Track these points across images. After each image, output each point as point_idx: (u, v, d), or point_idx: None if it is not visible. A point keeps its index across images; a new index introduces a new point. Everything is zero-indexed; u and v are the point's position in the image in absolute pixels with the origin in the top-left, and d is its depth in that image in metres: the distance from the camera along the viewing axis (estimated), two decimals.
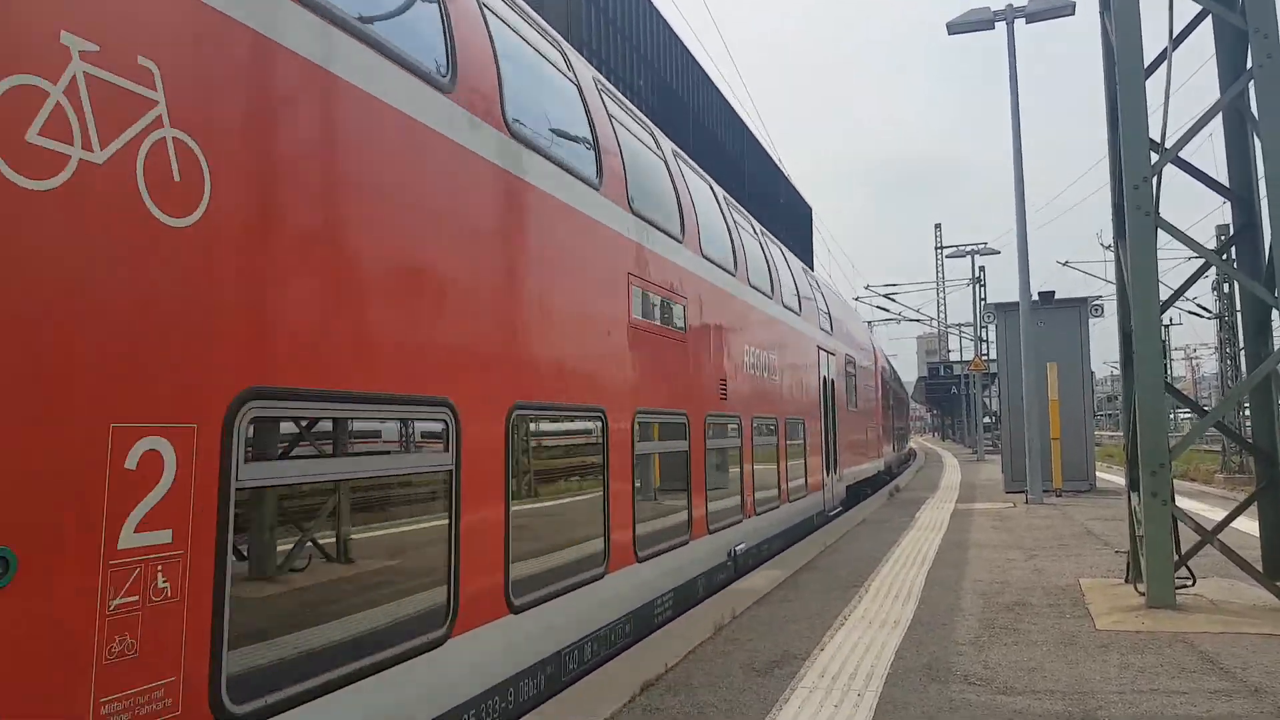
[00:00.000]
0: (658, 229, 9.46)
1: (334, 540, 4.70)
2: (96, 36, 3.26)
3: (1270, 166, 8.37)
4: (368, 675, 4.58)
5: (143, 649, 3.31)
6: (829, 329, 20.18)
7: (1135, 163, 8.73)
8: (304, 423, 4.47)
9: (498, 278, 6.26)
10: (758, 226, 15.71)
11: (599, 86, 8.92)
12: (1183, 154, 9.25)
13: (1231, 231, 9.74)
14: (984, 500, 21.60)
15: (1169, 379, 8.61)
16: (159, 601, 3.39)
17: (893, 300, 60.27)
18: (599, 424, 7.75)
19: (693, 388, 10.33)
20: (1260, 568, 9.09)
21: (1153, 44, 9.29)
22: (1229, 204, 9.71)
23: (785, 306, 15.74)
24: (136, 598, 3.30)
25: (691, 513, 10.12)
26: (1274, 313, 8.99)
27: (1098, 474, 24.44)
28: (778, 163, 35.18)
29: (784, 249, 18.01)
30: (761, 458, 13.53)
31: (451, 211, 5.65)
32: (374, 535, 5.04)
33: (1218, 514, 16.42)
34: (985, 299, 51.43)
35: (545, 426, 7.10)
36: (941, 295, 72.17)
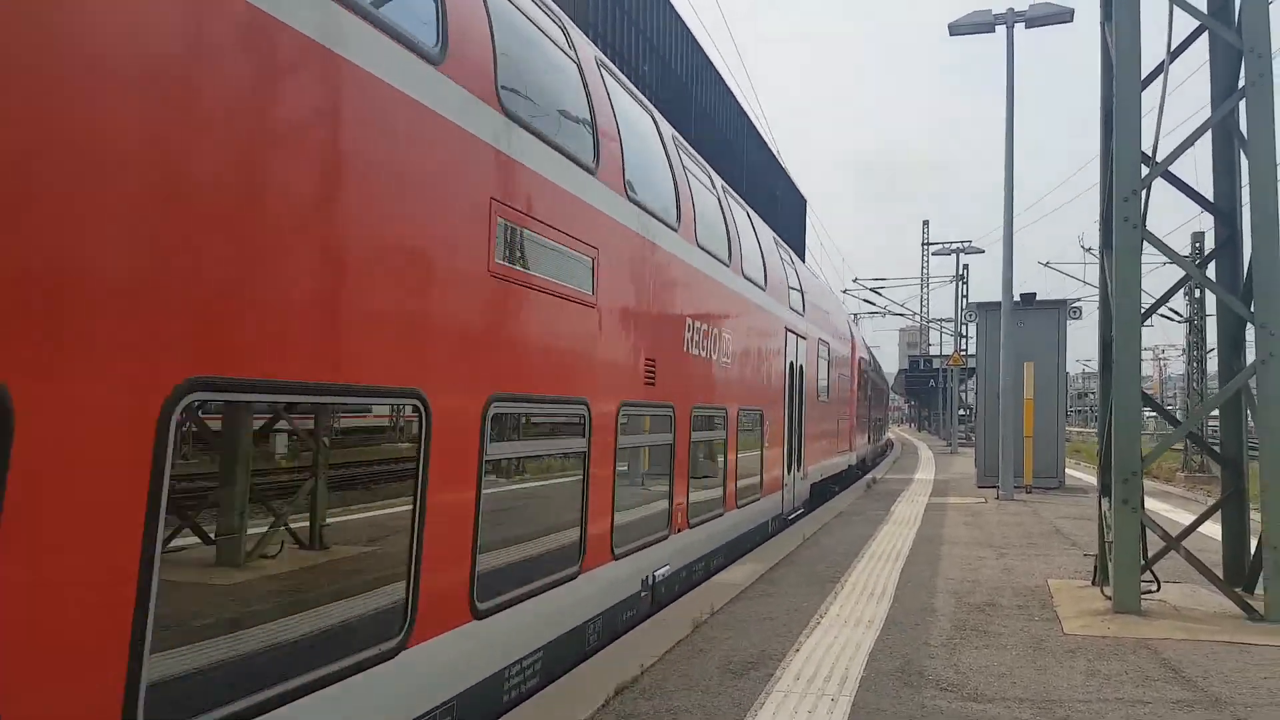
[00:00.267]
0: (541, 139, 6.60)
1: (280, 540, 4.34)
2: None
3: (1255, 185, 8.50)
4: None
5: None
6: (800, 310, 17.95)
7: (1126, 175, 8.83)
8: (254, 416, 4.13)
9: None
10: (718, 181, 13.15)
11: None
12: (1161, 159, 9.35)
13: (1212, 244, 9.87)
14: (957, 495, 21.85)
15: None
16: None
17: (879, 294, 60.51)
18: (418, 416, 5.11)
19: (599, 368, 7.72)
20: (1222, 574, 9.30)
21: (1148, 56, 9.37)
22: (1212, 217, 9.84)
23: (747, 279, 13.34)
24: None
25: (586, 535, 7.47)
26: (1248, 327, 9.12)
27: (1067, 471, 24.77)
28: (776, 154, 35.22)
29: (751, 213, 15.54)
30: (702, 457, 11.35)
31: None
32: (333, 531, 4.67)
33: (1180, 515, 16.76)
34: (968, 296, 51.76)
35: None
36: (925, 292, 72.50)
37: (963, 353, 47.70)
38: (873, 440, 38.26)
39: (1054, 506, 19.03)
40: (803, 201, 43.22)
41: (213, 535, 3.97)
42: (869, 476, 27.94)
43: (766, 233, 16.44)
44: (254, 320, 3.88)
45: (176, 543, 3.59)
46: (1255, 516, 8.77)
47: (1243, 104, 8.70)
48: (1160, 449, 9.17)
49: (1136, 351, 8.86)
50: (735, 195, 14.45)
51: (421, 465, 5.10)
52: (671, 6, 22.31)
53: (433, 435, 5.16)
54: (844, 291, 73.57)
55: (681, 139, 11.46)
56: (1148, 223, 8.95)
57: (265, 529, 4.26)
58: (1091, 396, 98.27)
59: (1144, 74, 9.15)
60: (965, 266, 55.74)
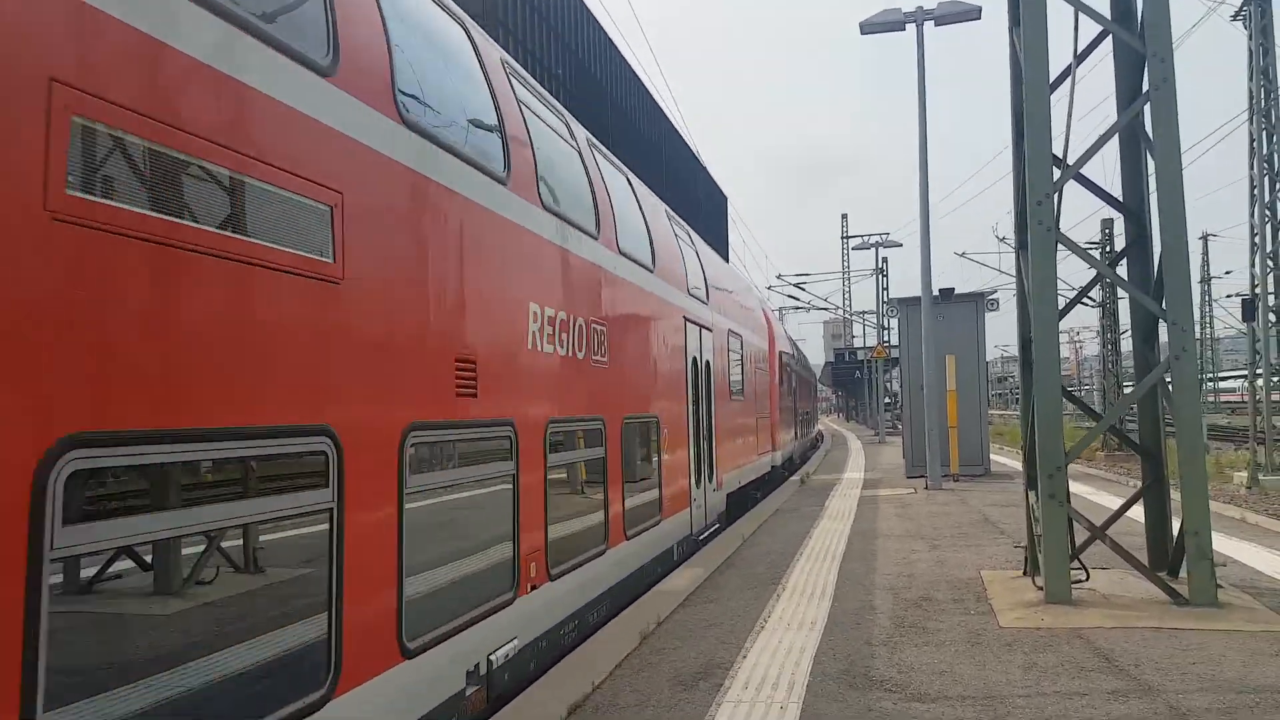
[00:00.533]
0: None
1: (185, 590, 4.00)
2: None
3: (1162, 186, 8.85)
4: None
5: None
6: (704, 297, 15.66)
7: (1038, 179, 9.12)
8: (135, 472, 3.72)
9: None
10: (580, 133, 10.45)
11: None
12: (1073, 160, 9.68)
13: (1124, 244, 10.26)
14: (888, 487, 22.29)
15: None
16: None
17: (802, 290, 61.33)
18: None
19: (351, 375, 5.06)
20: (1147, 559, 9.68)
21: (1057, 63, 9.70)
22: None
23: (627, 258, 10.81)
24: None
25: (339, 627, 4.77)
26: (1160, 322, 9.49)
27: (991, 457, 25.44)
28: (694, 151, 35.50)
29: (636, 181, 12.89)
30: (569, 485, 8.91)
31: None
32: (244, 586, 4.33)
33: (1104, 498, 17.36)
34: (888, 289, 52.76)
35: None
36: (846, 286, 73.69)
37: (885, 344, 48.70)
38: (800, 436, 36.69)
39: (981, 494, 19.54)
40: (724, 198, 43.61)
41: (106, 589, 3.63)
42: (801, 472, 28.30)
43: (657, 206, 13.91)
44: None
45: (67, 602, 3.34)
46: (1176, 496, 9.07)
47: (1148, 108, 9.04)
48: (1082, 444, 9.50)
49: (1055, 349, 9.17)
50: (611, 157, 11.81)
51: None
52: (586, 8, 22.38)
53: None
54: (768, 288, 74.37)
55: (520, 70, 8.78)
56: (1063, 208, 9.25)
57: (166, 579, 3.92)
58: (1011, 380, 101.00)
59: (1051, 78, 9.46)
60: (885, 260, 56.90)
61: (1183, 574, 8.82)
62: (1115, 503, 15.65)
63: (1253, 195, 26.35)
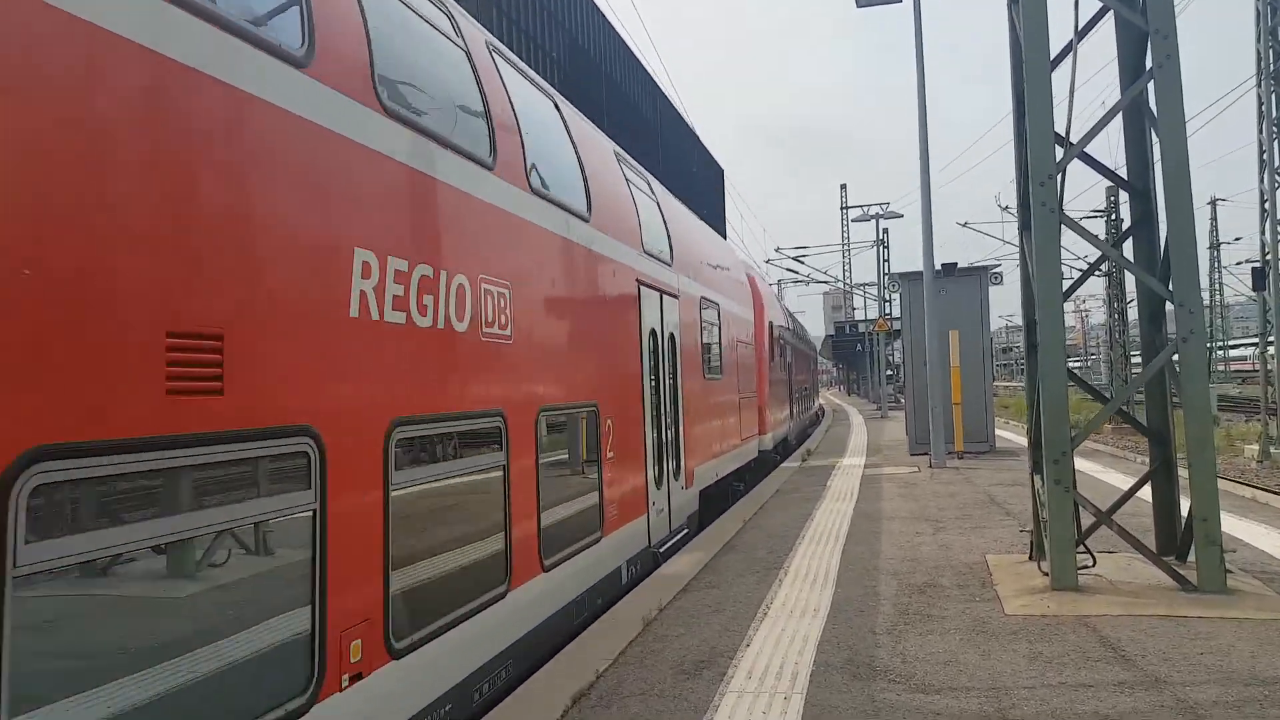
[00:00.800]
0: None
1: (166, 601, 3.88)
2: None
3: (1167, 163, 8.70)
4: None
5: None
6: (667, 258, 13.28)
7: (1041, 159, 8.98)
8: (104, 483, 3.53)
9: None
10: (478, 36, 8.07)
11: None
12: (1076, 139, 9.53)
13: (1128, 223, 10.12)
14: (891, 465, 22.21)
15: None
16: None
17: (801, 263, 61.08)
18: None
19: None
20: (1154, 543, 9.61)
21: (1057, 39, 9.52)
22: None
23: (544, 198, 8.46)
24: None
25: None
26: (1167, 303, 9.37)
27: (996, 433, 25.37)
28: (690, 124, 35.25)
29: (564, 104, 10.41)
30: (430, 517, 6.22)
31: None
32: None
33: (1111, 475, 17.28)
34: (889, 260, 52.55)
35: None
36: (847, 260, 73.39)
37: (887, 317, 48.55)
38: (798, 414, 34.11)
39: (986, 473, 19.47)
40: (720, 172, 43.33)
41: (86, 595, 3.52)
42: (801, 450, 28.17)
43: (601, 145, 11.52)
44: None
45: (41, 595, 3.23)
46: (1185, 474, 8.97)
47: (1152, 86, 8.88)
48: (1088, 429, 9.39)
49: (1060, 332, 9.05)
50: (529, 72, 9.51)
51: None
52: None
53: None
54: (767, 262, 74.10)
55: None
56: (1068, 175, 9.12)
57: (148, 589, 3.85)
58: (1015, 350, 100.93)
59: (1052, 54, 9.30)
60: (885, 231, 56.65)
61: (1191, 559, 8.73)
62: (1123, 481, 15.64)
63: (1261, 160, 26.11)
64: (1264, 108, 25.76)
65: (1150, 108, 9.14)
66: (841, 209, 73.59)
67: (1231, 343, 79.53)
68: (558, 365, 8.69)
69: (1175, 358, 8.86)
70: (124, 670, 3.55)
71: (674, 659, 7.37)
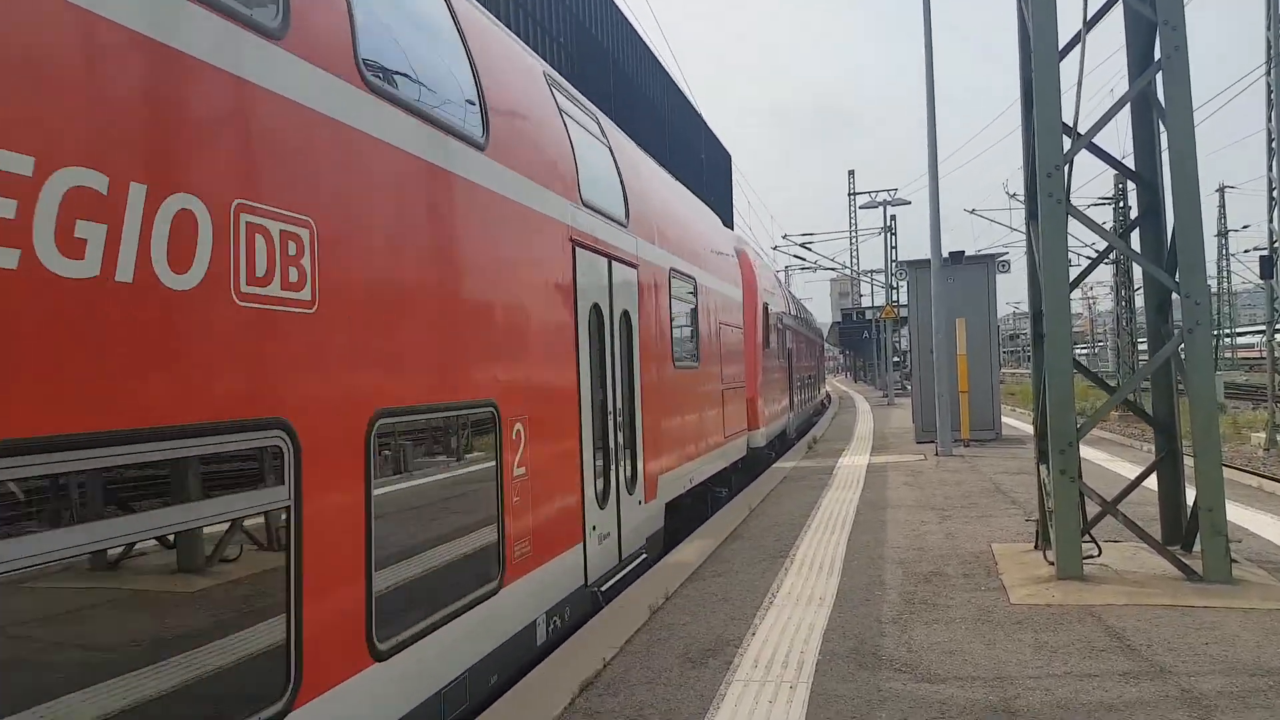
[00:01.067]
0: None
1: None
2: None
3: (1174, 155, 8.69)
4: None
5: None
6: (620, 217, 10.64)
7: (1048, 151, 8.97)
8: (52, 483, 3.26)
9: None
10: None
11: None
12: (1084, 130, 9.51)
13: (1136, 213, 10.11)
14: (896, 452, 22.27)
15: None
16: None
17: (809, 249, 60.93)
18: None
19: None
20: (1160, 533, 9.64)
21: (1065, 29, 9.51)
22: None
23: (413, 113, 6.06)
24: None
25: None
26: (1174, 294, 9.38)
27: (1003, 420, 25.38)
28: (697, 110, 35.23)
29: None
30: (214, 599, 4.20)
31: None
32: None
33: (1118, 464, 17.30)
34: (896, 248, 52.47)
35: None
36: (854, 247, 73.31)
37: (894, 304, 48.52)
38: (799, 406, 31.27)
39: (993, 461, 19.50)
40: (727, 157, 43.24)
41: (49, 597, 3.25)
42: (809, 436, 28.13)
43: (518, 57, 8.82)
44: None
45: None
46: (1191, 462, 8.98)
47: (1159, 76, 8.86)
48: (1094, 420, 9.43)
49: (1067, 324, 9.08)
50: None
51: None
52: None
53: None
54: (774, 249, 73.91)
55: None
56: (1076, 162, 9.09)
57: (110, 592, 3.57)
58: (1022, 337, 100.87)
59: (1061, 44, 9.28)
60: (893, 218, 56.50)
61: (1197, 549, 8.76)
62: (1129, 470, 15.65)
63: (1270, 148, 25.97)
64: (1273, 95, 25.63)
65: (1158, 99, 9.12)
66: (849, 195, 73.48)
67: (1239, 330, 79.32)
68: (416, 347, 5.92)
69: (1181, 348, 8.88)
70: (90, 678, 3.37)
71: (681, 647, 7.42)
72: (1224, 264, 72.04)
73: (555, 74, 9.93)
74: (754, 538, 11.96)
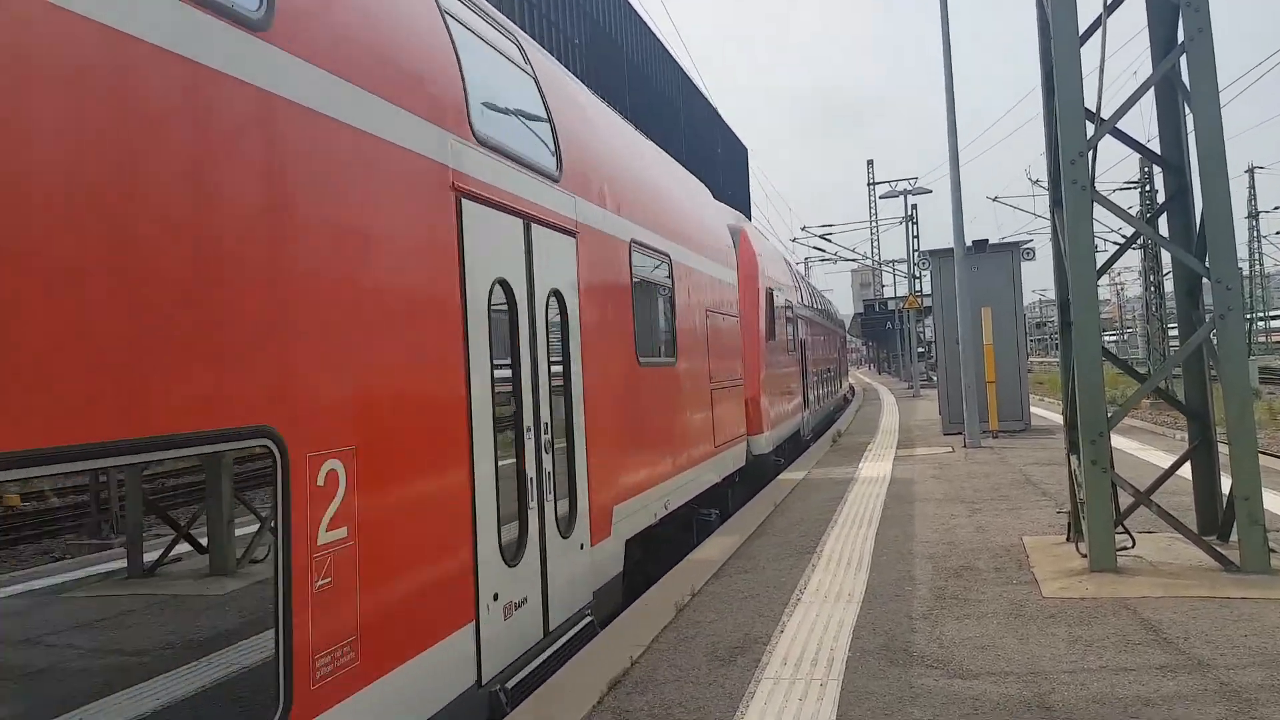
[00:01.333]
0: None
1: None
2: None
3: (1201, 138, 8.54)
4: None
5: None
6: (546, 167, 8.10)
7: (1071, 137, 8.84)
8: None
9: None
10: None
11: None
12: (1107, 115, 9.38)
13: (1163, 197, 9.96)
14: (923, 445, 22.07)
15: None
16: None
17: (829, 240, 60.69)
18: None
19: None
20: (1196, 523, 9.49)
21: (1086, 13, 9.35)
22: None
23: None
24: None
25: None
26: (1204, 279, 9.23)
27: (1032, 410, 25.13)
28: (713, 105, 35.13)
29: None
30: None
31: None
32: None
33: (1150, 453, 17.08)
34: (918, 236, 52.12)
35: None
36: (875, 237, 72.84)
37: (917, 294, 48.16)
38: (816, 402, 28.82)
39: (1022, 452, 19.29)
40: (744, 151, 43.11)
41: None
42: (833, 429, 27.84)
43: None
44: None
45: None
46: (1225, 449, 8.81)
47: (1184, 59, 8.71)
48: (1125, 409, 9.26)
49: (1095, 312, 8.93)
50: None
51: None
52: None
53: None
54: (793, 240, 73.45)
55: None
56: (1101, 146, 8.98)
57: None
58: (1049, 325, 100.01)
59: (1082, 29, 9.14)
60: (914, 207, 56.11)
61: (1234, 539, 8.61)
62: (1162, 460, 15.45)
63: None
64: None
65: (1183, 82, 8.97)
66: (869, 184, 73.06)
67: (1272, 313, 78.32)
68: (95, 351, 3.38)
69: (1213, 335, 8.72)
70: (66, 697, 3.21)
71: (708, 645, 7.37)
72: (1255, 246, 71.12)
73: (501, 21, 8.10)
74: (779, 534, 11.88)
